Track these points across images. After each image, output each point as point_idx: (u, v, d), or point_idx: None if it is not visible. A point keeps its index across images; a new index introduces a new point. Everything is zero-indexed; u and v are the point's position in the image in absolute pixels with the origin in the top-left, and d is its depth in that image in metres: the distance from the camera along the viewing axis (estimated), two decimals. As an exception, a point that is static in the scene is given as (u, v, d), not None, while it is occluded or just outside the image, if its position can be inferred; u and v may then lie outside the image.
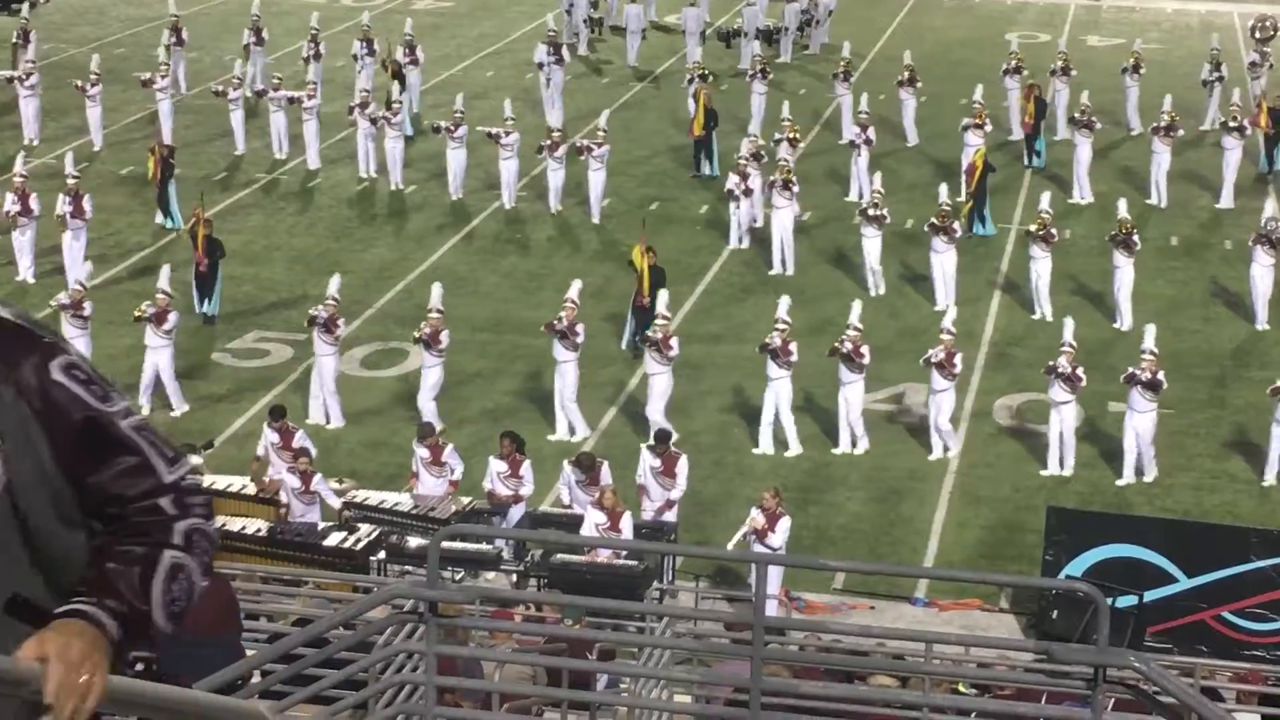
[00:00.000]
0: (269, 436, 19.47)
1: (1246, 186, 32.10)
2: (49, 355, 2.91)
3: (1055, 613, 17.51)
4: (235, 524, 17.95)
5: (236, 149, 33.89)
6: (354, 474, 20.37)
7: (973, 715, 9.41)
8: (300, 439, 19.35)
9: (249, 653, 8.67)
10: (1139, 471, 21.33)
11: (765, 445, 21.94)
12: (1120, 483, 21.29)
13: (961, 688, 13.12)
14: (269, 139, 33.72)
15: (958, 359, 21.66)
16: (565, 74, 37.12)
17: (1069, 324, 22.13)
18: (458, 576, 17.38)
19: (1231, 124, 31.66)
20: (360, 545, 17.70)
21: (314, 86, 33.51)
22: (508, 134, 30.59)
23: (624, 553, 17.28)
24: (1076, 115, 32.16)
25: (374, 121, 32.17)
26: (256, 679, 7.82)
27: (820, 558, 17.73)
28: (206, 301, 25.54)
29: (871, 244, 27.03)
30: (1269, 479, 21.31)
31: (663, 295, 23.09)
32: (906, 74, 34.80)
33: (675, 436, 20.58)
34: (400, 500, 18.90)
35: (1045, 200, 27.08)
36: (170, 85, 34.79)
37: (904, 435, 22.55)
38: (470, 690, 10.32)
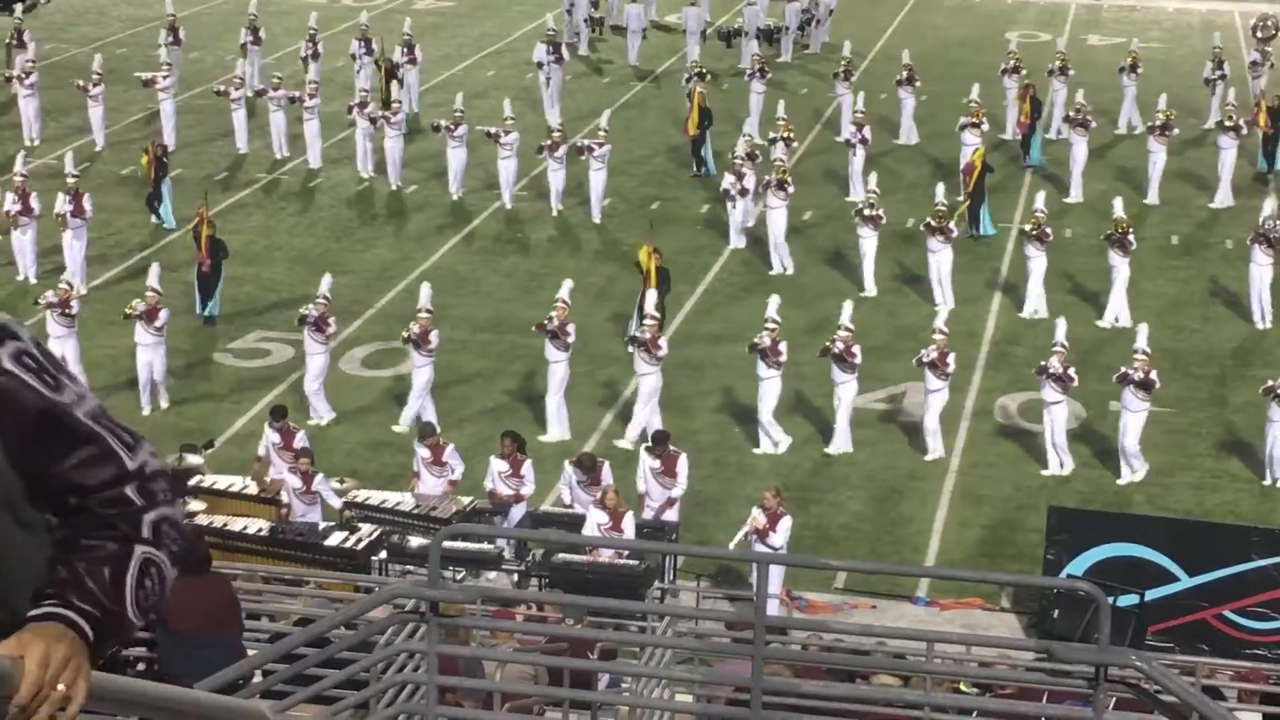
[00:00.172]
0: (270, 437, 19.49)
1: (1245, 186, 32.09)
2: None
3: (1056, 612, 17.50)
4: (236, 524, 17.96)
5: (238, 148, 33.90)
6: (355, 474, 20.38)
7: (974, 714, 9.40)
8: (301, 439, 19.38)
9: (250, 652, 8.69)
10: (1130, 469, 21.34)
11: (765, 445, 21.95)
12: (1121, 482, 21.30)
13: (963, 687, 13.12)
14: (268, 139, 33.73)
15: (950, 359, 21.64)
16: (564, 74, 37.12)
17: (1061, 324, 22.15)
18: (459, 576, 17.38)
19: (1228, 124, 31.62)
20: (361, 545, 17.69)
21: (315, 86, 33.51)
22: (507, 133, 30.58)
23: (625, 552, 17.28)
24: (1071, 114, 32.17)
25: (373, 121, 32.18)
26: (258, 679, 7.83)
27: (821, 557, 17.74)
28: (207, 302, 25.55)
29: (868, 244, 27.02)
30: (1269, 480, 21.31)
31: (651, 295, 22.98)
32: (905, 73, 34.80)
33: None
34: (401, 500, 18.89)
35: (1040, 200, 27.11)
36: (173, 85, 34.78)
37: (904, 435, 22.54)
38: (471, 690, 10.33)
